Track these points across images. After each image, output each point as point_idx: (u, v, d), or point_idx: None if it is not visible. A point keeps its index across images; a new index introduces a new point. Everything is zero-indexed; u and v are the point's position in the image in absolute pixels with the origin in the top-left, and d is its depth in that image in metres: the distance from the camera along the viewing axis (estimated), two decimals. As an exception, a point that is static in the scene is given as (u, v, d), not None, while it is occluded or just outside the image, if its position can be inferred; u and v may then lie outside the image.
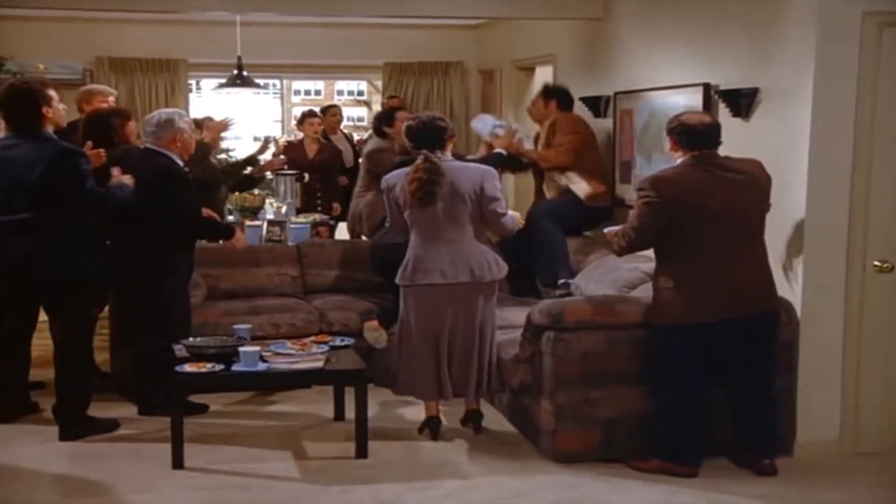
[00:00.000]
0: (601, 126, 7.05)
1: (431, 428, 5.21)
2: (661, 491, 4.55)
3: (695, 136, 4.63)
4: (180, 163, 5.53)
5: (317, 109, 9.47)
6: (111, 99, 7.02)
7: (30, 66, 8.98)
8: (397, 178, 5.12)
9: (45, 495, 4.49)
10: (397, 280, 5.13)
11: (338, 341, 5.31)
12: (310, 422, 5.55)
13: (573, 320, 4.76)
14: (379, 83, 10.78)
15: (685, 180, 4.58)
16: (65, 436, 5.18)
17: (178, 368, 4.85)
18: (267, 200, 8.53)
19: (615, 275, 5.77)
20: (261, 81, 9.60)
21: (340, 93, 13.46)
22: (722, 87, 5.42)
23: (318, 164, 8.61)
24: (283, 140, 9.69)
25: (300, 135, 8.98)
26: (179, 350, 5.06)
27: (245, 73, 8.71)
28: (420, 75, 10.18)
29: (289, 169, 8.57)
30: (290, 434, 5.36)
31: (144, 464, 4.88)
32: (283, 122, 11.26)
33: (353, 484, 4.62)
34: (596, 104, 7.04)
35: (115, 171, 5.29)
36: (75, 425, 5.21)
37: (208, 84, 11.19)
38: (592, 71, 7.25)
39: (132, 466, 4.85)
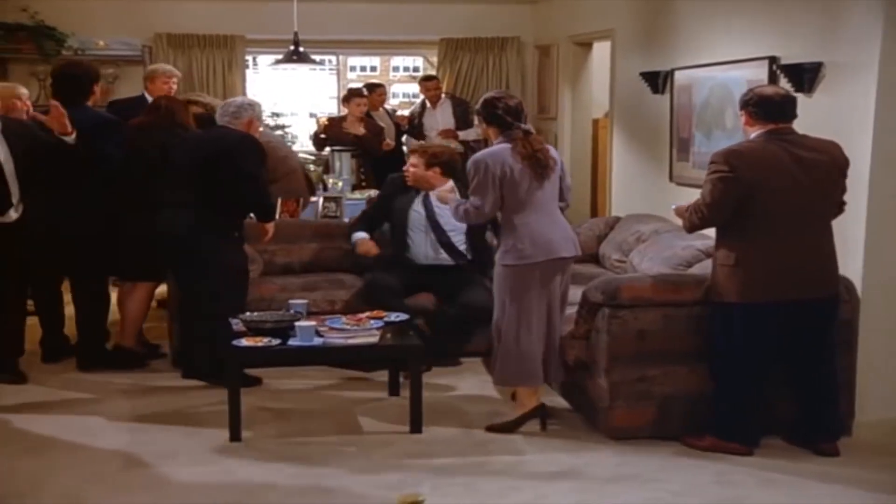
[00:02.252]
0: (658, 102, 7.02)
1: (543, 415, 5.06)
2: (715, 469, 4.55)
3: (771, 107, 4.57)
4: None
5: (363, 87, 9.54)
6: (174, 80, 7.15)
7: (90, 42, 9.13)
8: (498, 155, 4.89)
9: (106, 466, 4.58)
10: (510, 262, 4.90)
11: (393, 317, 5.32)
12: (364, 397, 5.62)
13: (629, 297, 4.77)
14: (435, 59, 10.77)
15: (760, 155, 4.53)
16: None
17: (235, 342, 4.94)
18: (323, 177, 8.63)
19: (669, 252, 5.75)
20: (317, 57, 9.64)
21: (396, 69, 13.45)
22: (784, 62, 5.36)
23: (361, 141, 8.67)
24: (323, 118, 9.78)
25: (345, 111, 9.07)
26: (236, 324, 5.15)
27: (301, 50, 8.76)
28: (476, 51, 10.14)
29: (331, 145, 8.67)
30: (345, 408, 5.43)
31: (202, 436, 4.97)
32: (338, 98, 11.31)
33: (408, 458, 4.68)
34: (654, 80, 7.00)
35: None
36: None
37: (264, 60, 11.22)
38: (651, 46, 7.21)
39: (190, 438, 4.95)
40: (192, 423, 5.16)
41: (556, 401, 5.39)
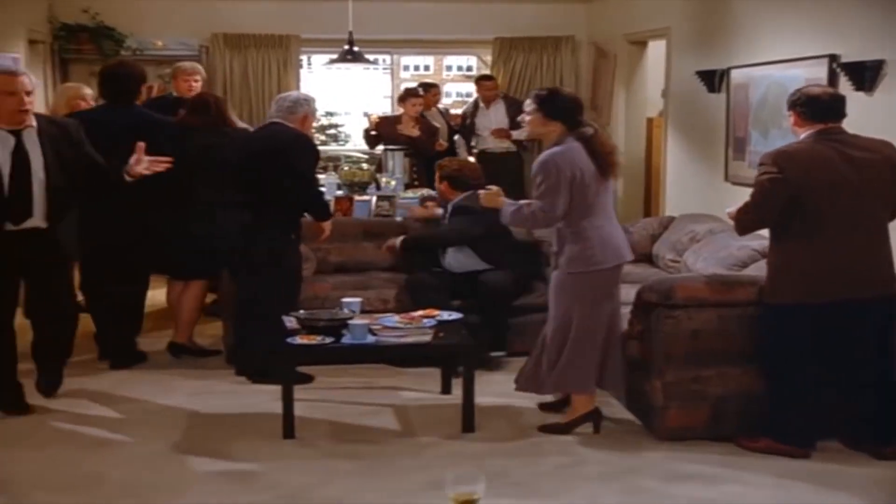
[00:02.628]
0: (714, 101, 6.96)
1: (597, 418, 5.01)
2: (771, 470, 4.50)
3: (819, 106, 4.52)
4: None
5: (418, 87, 9.57)
6: (195, 78, 7.19)
7: (148, 42, 9.29)
8: (568, 156, 4.73)
9: (163, 461, 4.65)
10: (579, 268, 4.79)
11: (446, 316, 5.33)
12: (417, 395, 5.63)
13: (684, 297, 4.73)
14: (488, 58, 10.78)
15: (809, 156, 4.48)
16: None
17: (289, 340, 4.98)
18: (376, 176, 8.67)
19: (725, 252, 5.71)
20: (371, 57, 9.69)
21: (449, 68, 13.48)
22: (844, 60, 5.29)
23: (415, 142, 8.70)
24: (374, 116, 9.83)
25: (399, 111, 9.11)
26: (290, 322, 5.20)
27: (356, 49, 8.80)
28: (530, 50, 10.13)
29: (384, 144, 8.72)
30: (397, 406, 5.45)
31: (256, 432, 5.01)
32: (392, 97, 11.34)
33: (460, 458, 4.68)
34: (710, 78, 6.95)
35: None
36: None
37: (318, 60, 11.29)
38: (707, 44, 7.16)
39: (244, 434, 4.99)
40: (245, 420, 5.21)
41: (608, 401, 5.37)
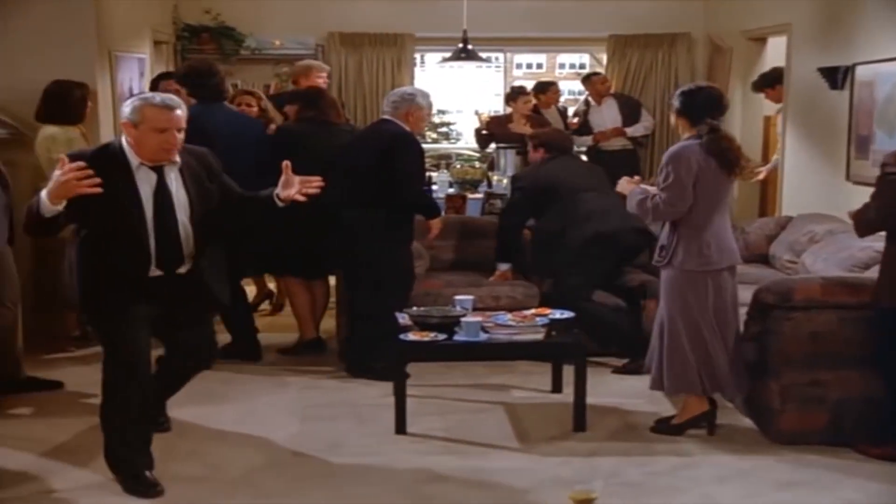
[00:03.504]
0: (836, 98, 6.80)
1: (711, 419, 4.95)
2: (892, 478, 4.39)
3: None
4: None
5: (527, 85, 9.56)
6: (325, 75, 7.28)
7: (267, 42, 9.47)
8: (691, 151, 4.69)
9: (277, 454, 4.74)
10: (693, 266, 4.72)
11: (558, 314, 5.30)
12: (526, 393, 5.65)
13: (803, 298, 4.65)
14: (601, 56, 10.72)
15: None
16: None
17: (402, 336, 5.04)
18: (488, 174, 8.71)
19: (845, 254, 5.58)
20: (484, 55, 9.72)
21: (562, 66, 13.46)
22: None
23: (524, 139, 8.69)
24: (484, 115, 9.84)
25: (509, 110, 9.11)
26: (403, 319, 5.26)
27: (470, 47, 8.85)
28: (645, 47, 10.02)
29: (496, 143, 8.74)
30: (507, 404, 5.47)
31: (368, 427, 5.09)
32: (504, 95, 11.36)
33: (572, 456, 4.68)
34: (832, 75, 6.79)
35: None
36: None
37: (431, 58, 11.36)
38: (830, 40, 6.99)
39: (356, 430, 5.07)
40: (357, 415, 5.29)
41: (722, 403, 5.29)
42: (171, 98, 4.24)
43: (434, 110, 6.70)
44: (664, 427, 4.96)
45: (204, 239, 4.35)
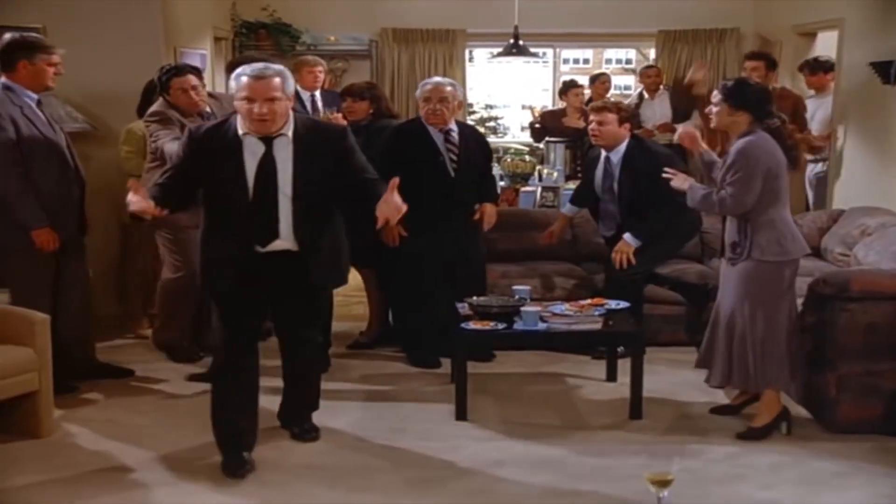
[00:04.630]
0: (889, 93, 6.79)
1: (788, 419, 4.87)
2: (949, 468, 4.42)
3: None
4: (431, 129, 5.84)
5: (579, 79, 9.59)
6: (319, 69, 7.31)
7: (322, 38, 9.60)
8: (766, 146, 4.66)
9: (341, 439, 4.82)
10: (772, 257, 4.66)
11: (613, 305, 5.35)
12: (581, 382, 5.71)
13: (860, 290, 4.68)
14: (649, 52, 10.73)
15: None
16: None
17: (463, 325, 5.12)
18: (538, 167, 8.76)
19: (897, 247, 5.58)
20: (534, 50, 9.75)
21: (609, 61, 13.43)
22: None
23: (579, 133, 8.73)
24: (538, 109, 9.89)
25: (561, 104, 9.16)
26: (463, 308, 5.33)
27: (521, 43, 8.90)
28: (693, 43, 10.01)
29: (550, 136, 8.79)
30: (564, 392, 5.54)
31: (430, 413, 5.17)
32: (553, 90, 11.40)
33: (629, 443, 4.74)
34: (885, 70, 6.77)
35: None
36: None
37: (479, 54, 11.42)
38: (884, 35, 6.97)
39: (417, 416, 5.15)
40: (418, 401, 5.36)
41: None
42: (266, 67, 4.17)
43: (482, 105, 6.72)
44: (750, 434, 4.81)
45: (310, 215, 4.27)
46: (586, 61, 13.26)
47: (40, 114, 5.25)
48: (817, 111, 7.98)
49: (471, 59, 12.29)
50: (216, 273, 4.31)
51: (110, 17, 6.75)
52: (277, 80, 4.09)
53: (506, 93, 13.87)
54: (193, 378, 5.65)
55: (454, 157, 5.82)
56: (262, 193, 4.16)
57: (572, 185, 8.01)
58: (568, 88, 9.13)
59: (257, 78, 4.07)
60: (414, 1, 9.80)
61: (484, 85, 13.30)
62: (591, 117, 6.00)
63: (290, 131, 4.20)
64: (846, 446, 4.67)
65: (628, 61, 12.90)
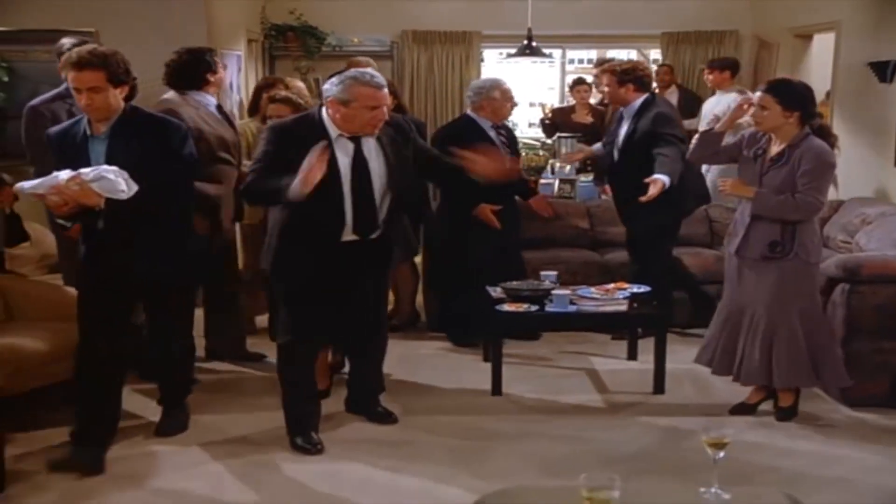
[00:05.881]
0: (885, 91, 6.93)
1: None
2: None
3: None
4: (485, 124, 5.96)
5: (586, 77, 9.71)
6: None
7: (346, 39, 9.71)
8: (827, 148, 4.57)
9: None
10: (815, 259, 4.61)
11: (636, 289, 5.45)
12: (605, 360, 5.86)
13: (870, 274, 4.81)
14: (649, 52, 10.85)
15: None
16: None
17: (497, 308, 5.25)
18: (549, 161, 8.87)
19: (899, 235, 5.71)
20: (545, 51, 9.86)
21: (611, 61, 13.59)
22: None
23: (588, 128, 8.88)
24: (549, 106, 10.01)
25: (571, 101, 9.30)
26: (495, 292, 5.45)
27: (534, 44, 9.02)
28: (696, 44, 10.13)
29: (560, 132, 8.92)
30: (589, 370, 5.68)
31: (465, 388, 5.31)
32: (561, 89, 11.52)
33: (655, 416, 4.89)
34: (882, 70, 6.92)
35: None
36: None
37: (489, 55, 11.53)
38: (880, 36, 7.10)
39: (454, 393, 5.29)
40: (453, 380, 5.48)
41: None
42: (378, 75, 4.31)
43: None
44: (788, 413, 4.80)
45: (398, 205, 4.45)
46: (590, 61, 13.38)
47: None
48: (717, 107, 7.67)
49: (481, 60, 12.40)
50: (297, 263, 4.36)
51: (157, 20, 6.87)
52: (386, 88, 4.28)
53: (514, 91, 13.92)
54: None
55: (508, 150, 5.96)
56: (360, 188, 4.28)
57: (584, 177, 8.15)
58: (574, 85, 9.27)
59: (381, 87, 4.22)
60: (433, 4, 9.91)
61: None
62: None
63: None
64: (856, 416, 4.83)
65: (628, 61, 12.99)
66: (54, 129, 4.33)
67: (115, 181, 3.92)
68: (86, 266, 4.31)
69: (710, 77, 8.15)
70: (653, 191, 5.42)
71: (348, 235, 4.34)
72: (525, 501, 2.87)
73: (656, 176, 5.49)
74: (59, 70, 4.39)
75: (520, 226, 6.22)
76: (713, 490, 2.74)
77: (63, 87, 5.21)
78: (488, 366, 5.31)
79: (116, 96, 4.09)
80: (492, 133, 5.95)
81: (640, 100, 5.95)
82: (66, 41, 5.22)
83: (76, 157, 4.08)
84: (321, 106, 4.33)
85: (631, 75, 5.94)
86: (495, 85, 6.05)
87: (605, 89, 6.23)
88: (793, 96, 4.56)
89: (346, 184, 4.26)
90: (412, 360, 5.85)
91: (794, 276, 4.59)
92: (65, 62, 4.12)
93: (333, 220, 4.28)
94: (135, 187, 3.97)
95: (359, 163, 4.28)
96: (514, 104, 6.14)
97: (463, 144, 5.70)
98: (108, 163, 4.01)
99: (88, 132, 4.14)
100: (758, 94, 4.64)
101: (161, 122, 4.31)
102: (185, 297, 4.67)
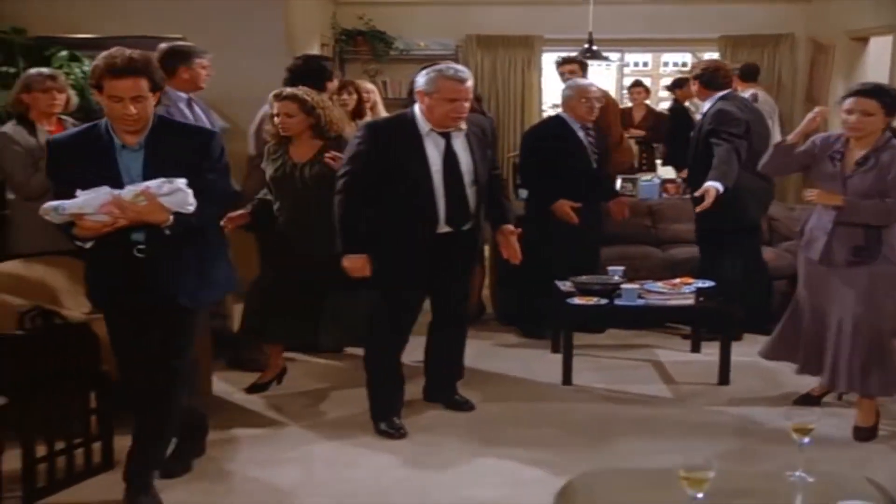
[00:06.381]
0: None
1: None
2: None
3: None
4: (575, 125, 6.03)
5: (643, 80, 9.78)
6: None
7: (413, 43, 9.88)
8: None
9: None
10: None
11: (700, 283, 5.50)
12: (668, 352, 5.92)
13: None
14: (702, 55, 10.85)
15: None
16: None
17: (568, 301, 5.35)
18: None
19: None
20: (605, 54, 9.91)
21: (665, 64, 13.62)
22: None
23: (642, 129, 8.96)
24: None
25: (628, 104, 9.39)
26: (564, 286, 5.54)
27: (595, 48, 9.07)
28: (752, 47, 10.11)
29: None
30: (654, 362, 5.75)
31: (536, 378, 5.41)
32: (619, 91, 11.55)
33: (722, 406, 4.94)
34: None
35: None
36: None
37: (547, 58, 11.60)
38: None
39: (527, 380, 5.39)
40: (524, 370, 5.57)
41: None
42: (463, 70, 4.35)
43: (549, 105, 6.82)
44: (868, 434, 4.55)
45: (483, 198, 4.53)
46: (645, 64, 13.42)
47: (188, 113, 5.34)
48: None
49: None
50: (394, 256, 4.42)
51: (240, 26, 7.04)
52: (470, 82, 4.31)
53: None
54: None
55: (595, 151, 6.05)
56: (451, 182, 4.37)
57: (647, 176, 8.20)
58: (631, 88, 9.34)
59: (463, 80, 4.26)
60: (496, 9, 10.02)
61: (551, 86, 13.42)
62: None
63: (462, 125, 4.40)
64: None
65: (683, 64, 13.03)
66: (60, 136, 3.79)
67: (188, 194, 3.48)
68: (110, 289, 3.66)
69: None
70: (707, 202, 5.50)
71: (443, 227, 4.42)
72: (617, 483, 2.90)
73: (707, 185, 5.54)
74: (94, 79, 3.50)
75: (601, 224, 6.24)
76: (798, 474, 2.81)
77: None
78: (556, 357, 5.43)
79: (153, 104, 3.55)
80: (580, 133, 6.02)
81: (712, 98, 5.97)
82: (166, 46, 5.34)
83: (101, 170, 3.50)
84: (415, 102, 4.43)
85: (705, 75, 6.02)
86: (581, 87, 6.11)
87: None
88: (893, 101, 4.39)
89: (437, 177, 4.35)
90: (482, 351, 5.92)
91: (885, 281, 4.43)
92: (103, 70, 3.44)
93: (428, 212, 4.36)
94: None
95: (450, 157, 4.37)
96: (597, 105, 6.10)
97: (551, 143, 5.89)
98: (147, 177, 3.50)
99: (119, 143, 3.54)
100: (853, 100, 4.40)
101: (200, 132, 3.92)
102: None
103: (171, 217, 3.45)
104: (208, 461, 4.23)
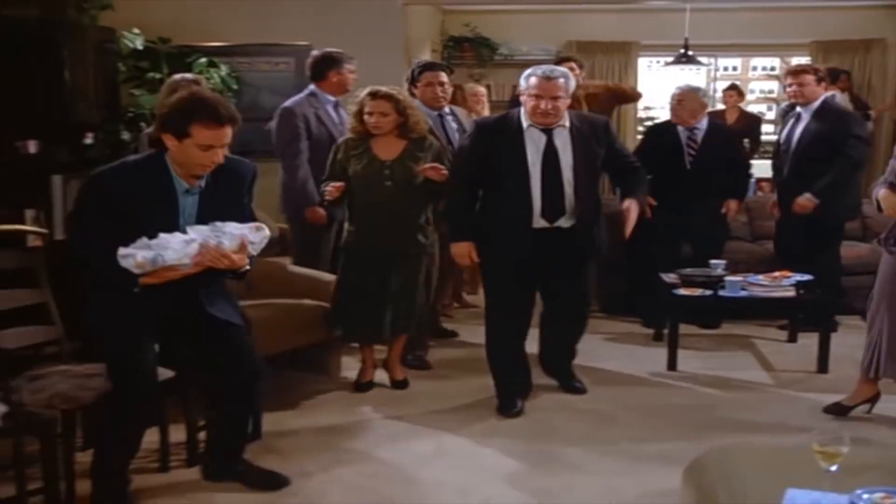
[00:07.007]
0: None
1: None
2: None
3: None
4: (679, 128, 6.16)
5: (737, 83, 9.82)
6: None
7: (516, 50, 10.09)
8: None
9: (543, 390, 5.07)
10: None
11: (798, 277, 5.54)
12: (766, 342, 6.04)
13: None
14: (790, 59, 10.86)
15: None
16: None
17: (675, 291, 5.50)
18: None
19: None
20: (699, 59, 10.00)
21: (754, 68, 13.58)
22: None
23: (734, 131, 8.99)
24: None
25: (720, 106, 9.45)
26: (670, 278, 5.66)
27: (690, 53, 9.19)
28: (843, 52, 10.08)
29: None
30: (753, 350, 5.87)
31: (642, 365, 5.53)
32: (713, 95, 11.59)
33: (821, 392, 4.98)
34: None
35: None
36: None
37: (642, 62, 11.72)
38: None
39: (634, 367, 5.50)
40: (630, 357, 5.73)
41: None
42: (555, 70, 4.43)
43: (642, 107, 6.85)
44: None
45: (586, 195, 4.51)
46: (735, 68, 13.41)
47: (334, 115, 5.56)
48: None
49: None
50: (497, 247, 4.54)
51: (363, 33, 7.28)
52: (562, 80, 4.37)
53: (663, 96, 14.04)
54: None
55: (692, 153, 6.13)
56: (548, 176, 4.43)
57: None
58: (727, 90, 9.41)
59: (547, 78, 4.35)
60: (595, 16, 10.17)
61: (645, 90, 13.51)
62: (789, 80, 6.07)
63: (567, 122, 4.47)
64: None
65: (772, 68, 13.00)
66: (115, 170, 3.44)
67: (267, 237, 3.50)
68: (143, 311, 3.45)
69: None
70: (804, 208, 5.77)
71: (539, 222, 4.47)
72: (746, 458, 2.86)
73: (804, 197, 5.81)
74: (180, 125, 3.31)
75: (714, 224, 6.24)
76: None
77: (309, 89, 5.64)
78: (658, 346, 5.62)
79: None
80: (683, 136, 6.17)
81: (820, 99, 5.99)
82: (318, 53, 5.63)
83: (165, 214, 3.38)
84: (519, 104, 4.55)
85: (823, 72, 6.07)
86: (678, 91, 6.27)
87: (796, 88, 6.02)
88: None
89: (534, 170, 4.42)
90: (588, 339, 5.88)
91: None
92: (202, 118, 3.29)
93: (523, 205, 4.45)
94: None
95: (549, 151, 4.42)
96: (686, 108, 6.19)
97: (658, 142, 6.12)
98: (201, 219, 3.42)
99: (184, 186, 3.41)
100: None
101: (242, 166, 3.63)
102: None
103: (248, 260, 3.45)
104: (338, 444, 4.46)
